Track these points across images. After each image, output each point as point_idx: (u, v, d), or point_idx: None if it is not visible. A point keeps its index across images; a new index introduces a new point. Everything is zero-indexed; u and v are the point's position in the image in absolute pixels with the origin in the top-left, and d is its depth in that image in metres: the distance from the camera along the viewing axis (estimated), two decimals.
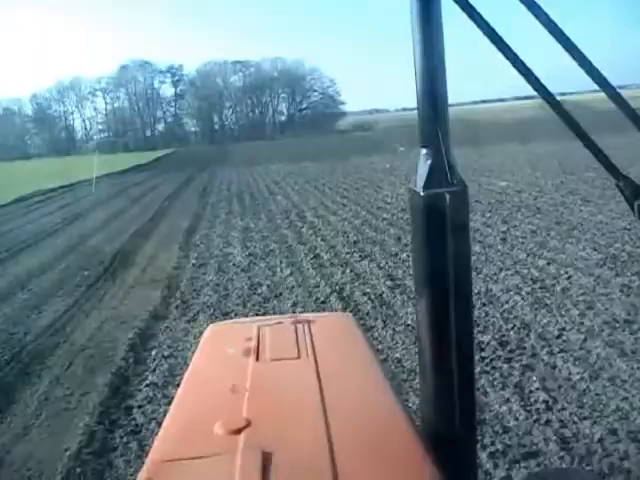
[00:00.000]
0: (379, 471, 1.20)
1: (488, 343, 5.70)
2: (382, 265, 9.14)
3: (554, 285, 7.42)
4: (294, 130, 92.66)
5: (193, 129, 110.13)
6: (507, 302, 6.92)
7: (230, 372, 1.72)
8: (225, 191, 23.17)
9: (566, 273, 7.87)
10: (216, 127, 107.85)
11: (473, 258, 9.24)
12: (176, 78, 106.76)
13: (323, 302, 7.50)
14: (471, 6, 1.10)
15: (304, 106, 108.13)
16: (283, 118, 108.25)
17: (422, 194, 1.23)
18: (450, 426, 1.37)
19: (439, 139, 1.25)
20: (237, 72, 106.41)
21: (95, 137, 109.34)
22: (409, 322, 6.47)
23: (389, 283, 8.08)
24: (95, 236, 14.66)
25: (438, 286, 1.28)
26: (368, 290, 7.95)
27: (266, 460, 1.19)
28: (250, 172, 31.55)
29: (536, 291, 7.25)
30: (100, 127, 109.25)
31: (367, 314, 6.96)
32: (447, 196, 1.21)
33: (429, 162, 1.25)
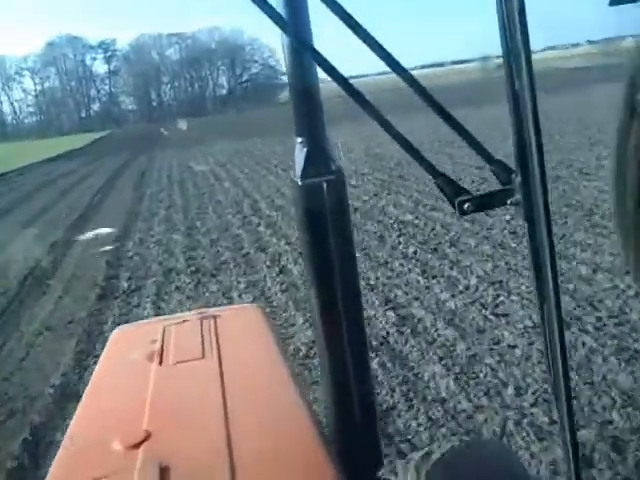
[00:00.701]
0: (280, 478, 1.21)
1: None
2: (374, 282, 6.93)
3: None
4: (236, 104, 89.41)
5: (130, 107, 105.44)
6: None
7: (132, 379, 1.68)
8: (165, 178, 20.51)
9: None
10: (154, 104, 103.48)
11: (485, 285, 7.12)
12: (109, 54, 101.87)
13: (307, 356, 5.24)
14: None
15: (245, 78, 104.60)
16: (224, 92, 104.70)
17: (300, 184, 1.19)
18: (351, 424, 1.31)
19: (314, 127, 1.20)
20: (173, 45, 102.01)
21: (26, 121, 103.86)
22: (442, 393, 4.32)
23: (391, 317, 5.86)
24: (6, 247, 12.04)
25: (326, 274, 1.24)
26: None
27: (164, 475, 1.17)
28: (192, 153, 28.77)
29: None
30: (31, 110, 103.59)
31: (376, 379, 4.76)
32: (325, 185, 1.18)
33: (305, 151, 1.19)
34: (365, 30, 0.91)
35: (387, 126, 0.95)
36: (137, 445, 1.30)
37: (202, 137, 38.20)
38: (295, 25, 1.12)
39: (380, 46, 0.92)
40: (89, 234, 12.23)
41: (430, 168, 0.96)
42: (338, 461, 1.24)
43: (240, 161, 22.15)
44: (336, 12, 0.92)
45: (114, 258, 9.88)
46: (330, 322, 1.28)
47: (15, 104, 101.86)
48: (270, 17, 0.93)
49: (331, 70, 0.94)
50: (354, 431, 1.32)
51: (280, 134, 30.41)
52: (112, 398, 1.63)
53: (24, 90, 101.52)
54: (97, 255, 10.24)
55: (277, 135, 27.59)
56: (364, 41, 0.92)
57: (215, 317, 2.00)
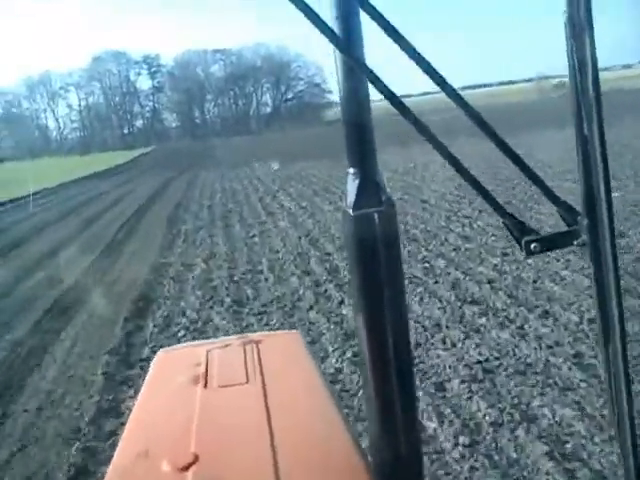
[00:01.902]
0: None
1: None
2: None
3: None
4: (280, 122, 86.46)
5: (174, 124, 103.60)
6: None
7: (178, 402, 1.71)
8: (205, 209, 16.95)
9: None
10: (197, 121, 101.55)
11: None
12: (153, 69, 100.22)
13: None
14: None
15: (289, 96, 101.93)
16: (268, 109, 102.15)
17: (352, 214, 1.21)
18: (396, 450, 1.28)
19: (366, 158, 1.23)
20: (217, 61, 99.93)
21: (69, 136, 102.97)
22: None
23: None
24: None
25: (374, 304, 1.24)
26: None
27: None
28: (237, 176, 25.36)
29: None
30: (75, 125, 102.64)
31: None
32: (376, 215, 1.20)
33: (357, 182, 1.22)
34: (418, 52, 0.92)
35: (451, 158, 0.94)
36: (186, 467, 1.31)
37: (247, 158, 34.91)
38: (348, 43, 1.11)
39: (442, 78, 0.93)
40: (87, 312, 8.61)
41: (497, 206, 0.96)
42: None
43: (295, 190, 18.50)
44: (384, 28, 0.92)
45: (115, 367, 6.16)
46: (377, 352, 1.25)
47: (60, 119, 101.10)
48: (324, 33, 0.94)
49: (385, 90, 0.94)
50: (398, 459, 1.26)
51: (333, 155, 26.96)
52: (159, 420, 1.64)
53: (69, 105, 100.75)
54: (84, 367, 6.51)
55: (328, 157, 23.92)
56: (417, 63, 0.92)
57: (257, 342, 2.01)
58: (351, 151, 1.23)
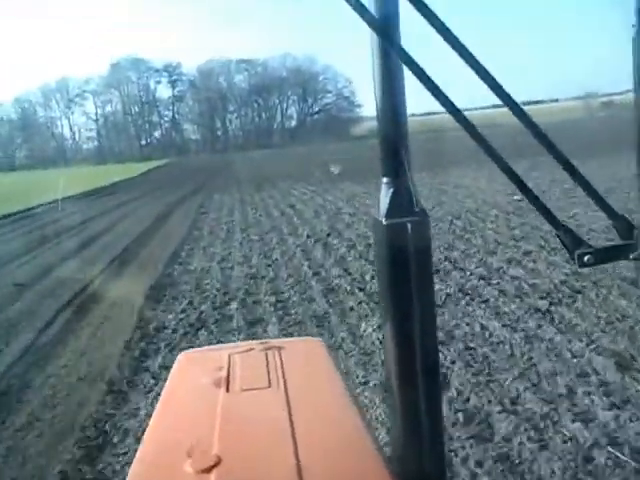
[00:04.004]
0: None
1: None
2: None
3: None
4: (305, 137, 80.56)
5: (193, 136, 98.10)
6: None
7: (200, 405, 1.67)
8: (215, 270, 10.59)
9: None
10: (219, 133, 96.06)
11: None
12: (173, 78, 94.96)
13: None
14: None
15: (316, 109, 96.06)
16: (293, 123, 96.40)
17: (384, 223, 1.21)
18: (419, 459, 1.29)
19: (400, 168, 1.22)
20: (242, 72, 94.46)
21: (85, 146, 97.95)
22: None
23: None
24: None
25: (403, 314, 1.23)
26: None
27: None
28: (263, 203, 19.09)
29: None
30: (91, 134, 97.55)
31: None
32: (409, 225, 1.19)
33: (391, 191, 1.21)
34: (477, 61, 0.90)
35: (503, 165, 0.92)
36: (209, 469, 1.28)
37: (273, 177, 28.75)
38: (384, 25, 1.08)
39: (493, 79, 0.90)
40: None
41: (551, 218, 0.94)
42: None
43: (356, 235, 12.09)
44: (448, 40, 0.91)
45: None
46: (404, 362, 1.24)
47: (75, 128, 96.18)
48: (360, 14, 0.93)
49: (422, 75, 0.92)
50: (421, 469, 1.26)
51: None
52: (181, 422, 1.60)
53: (85, 113, 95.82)
54: None
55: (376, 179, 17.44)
56: (477, 72, 0.90)
57: (279, 348, 1.96)
58: (385, 160, 1.21)
